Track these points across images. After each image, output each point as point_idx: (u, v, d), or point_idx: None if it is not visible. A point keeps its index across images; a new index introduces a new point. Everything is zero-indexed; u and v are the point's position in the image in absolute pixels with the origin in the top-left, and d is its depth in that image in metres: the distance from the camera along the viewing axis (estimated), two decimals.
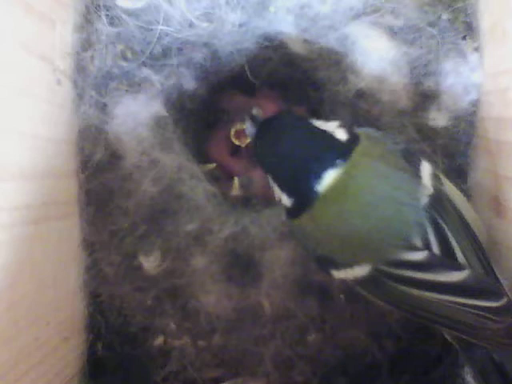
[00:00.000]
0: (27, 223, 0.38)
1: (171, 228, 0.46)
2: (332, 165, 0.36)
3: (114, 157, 0.46)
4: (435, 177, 0.37)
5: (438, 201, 0.35)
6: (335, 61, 0.47)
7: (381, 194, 0.36)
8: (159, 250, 0.47)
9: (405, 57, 0.46)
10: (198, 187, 0.47)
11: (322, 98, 0.51)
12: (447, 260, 0.34)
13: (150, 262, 0.47)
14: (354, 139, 0.38)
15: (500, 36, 0.43)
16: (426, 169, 0.37)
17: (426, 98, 0.47)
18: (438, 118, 0.47)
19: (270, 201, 0.51)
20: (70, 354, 0.46)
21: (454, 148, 0.48)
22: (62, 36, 0.43)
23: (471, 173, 0.48)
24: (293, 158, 0.38)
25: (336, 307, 0.47)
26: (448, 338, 0.37)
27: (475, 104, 0.46)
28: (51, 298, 0.42)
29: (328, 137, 0.38)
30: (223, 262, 0.47)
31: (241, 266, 0.47)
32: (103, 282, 0.48)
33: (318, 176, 0.36)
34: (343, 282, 0.38)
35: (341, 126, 0.39)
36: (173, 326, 0.49)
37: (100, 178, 0.46)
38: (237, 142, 0.56)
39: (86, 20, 0.46)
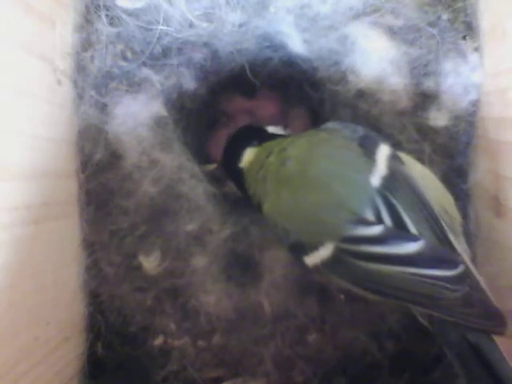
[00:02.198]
0: (27, 223, 0.38)
1: (171, 228, 0.46)
2: (248, 145, 0.49)
3: (114, 157, 0.46)
4: (393, 158, 0.39)
5: (392, 180, 0.37)
6: (335, 61, 0.47)
7: (327, 171, 0.39)
8: (159, 250, 0.47)
9: (405, 57, 0.46)
10: (197, 187, 0.48)
11: (322, 98, 0.51)
12: (402, 232, 0.35)
13: (149, 262, 0.47)
14: (279, 135, 0.50)
15: (500, 36, 0.43)
16: (382, 152, 0.39)
17: (426, 97, 0.47)
18: (438, 118, 0.47)
19: None
20: (70, 353, 0.46)
21: (454, 148, 0.48)
22: (62, 36, 0.43)
23: (471, 173, 0.48)
24: (229, 154, 0.52)
25: (336, 307, 0.47)
26: (420, 319, 0.37)
27: (475, 104, 0.46)
28: (51, 298, 0.42)
29: (256, 131, 0.52)
30: (223, 262, 0.47)
31: (241, 265, 0.47)
32: (103, 281, 0.48)
33: (238, 156, 0.49)
34: (316, 269, 0.39)
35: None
36: (173, 326, 0.48)
37: (100, 178, 0.46)
38: None
39: (86, 20, 0.46)
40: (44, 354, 0.40)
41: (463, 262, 0.34)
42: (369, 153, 0.39)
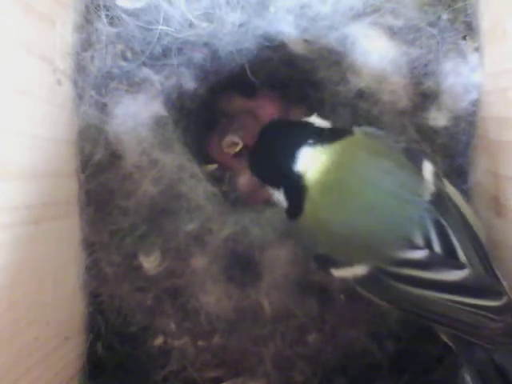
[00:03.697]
0: (27, 223, 0.38)
1: (171, 228, 0.46)
2: (304, 143, 0.37)
3: (114, 157, 0.46)
4: (437, 176, 0.37)
5: (440, 199, 0.35)
6: (335, 61, 0.47)
7: (385, 190, 0.36)
8: (159, 250, 0.47)
9: (405, 57, 0.46)
10: (197, 187, 0.48)
11: (322, 98, 0.51)
12: (447, 258, 0.34)
13: (149, 262, 0.47)
14: (342, 130, 0.39)
15: (500, 36, 0.43)
16: (427, 168, 0.37)
17: (426, 98, 0.47)
18: (438, 118, 0.47)
19: (255, 200, 0.55)
20: (70, 353, 0.46)
21: (454, 148, 0.48)
22: (62, 36, 0.43)
23: (471, 173, 0.48)
24: (271, 154, 0.40)
25: (336, 307, 0.47)
26: (444, 338, 0.37)
27: (475, 104, 0.46)
28: (51, 298, 0.42)
29: (304, 125, 0.40)
30: (223, 262, 0.47)
31: (241, 266, 0.47)
32: (103, 282, 0.48)
33: (291, 156, 0.38)
34: (343, 281, 0.38)
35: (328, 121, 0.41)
36: (173, 325, 0.48)
37: (100, 178, 0.46)
38: (229, 151, 0.57)
39: (86, 20, 0.46)
40: (44, 354, 0.40)
41: (507, 293, 0.33)
42: (417, 167, 0.36)
